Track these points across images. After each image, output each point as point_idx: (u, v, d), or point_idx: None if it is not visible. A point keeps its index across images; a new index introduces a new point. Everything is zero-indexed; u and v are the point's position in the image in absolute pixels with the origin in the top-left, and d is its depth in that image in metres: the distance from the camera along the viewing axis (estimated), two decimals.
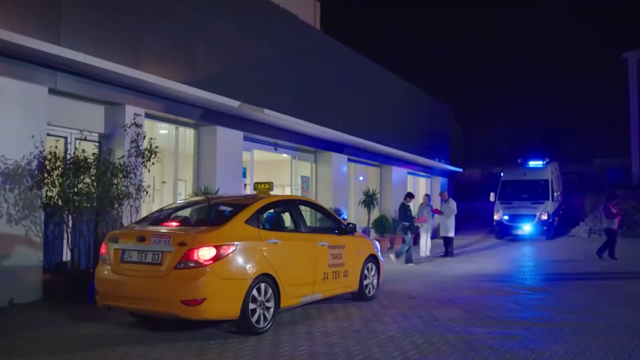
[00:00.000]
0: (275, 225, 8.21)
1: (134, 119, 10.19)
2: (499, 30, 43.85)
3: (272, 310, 7.32)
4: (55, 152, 9.29)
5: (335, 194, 18.05)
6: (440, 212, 17.51)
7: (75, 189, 9.23)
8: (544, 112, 43.36)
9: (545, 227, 23.91)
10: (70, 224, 9.42)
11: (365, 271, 9.54)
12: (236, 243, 7.01)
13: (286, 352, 6.36)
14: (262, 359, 6.14)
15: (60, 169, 9.20)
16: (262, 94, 14.16)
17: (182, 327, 7.31)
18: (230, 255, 6.91)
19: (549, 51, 42.99)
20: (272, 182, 8.71)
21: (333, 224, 9.39)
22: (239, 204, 7.80)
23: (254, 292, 7.08)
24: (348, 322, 7.94)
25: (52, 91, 9.60)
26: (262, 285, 7.22)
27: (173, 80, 11.40)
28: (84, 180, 9.34)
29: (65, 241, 9.71)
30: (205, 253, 6.73)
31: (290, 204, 8.71)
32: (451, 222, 17.08)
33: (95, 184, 9.39)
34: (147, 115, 11.53)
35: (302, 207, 9.03)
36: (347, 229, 9.25)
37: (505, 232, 24.30)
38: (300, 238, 8.29)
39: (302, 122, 15.07)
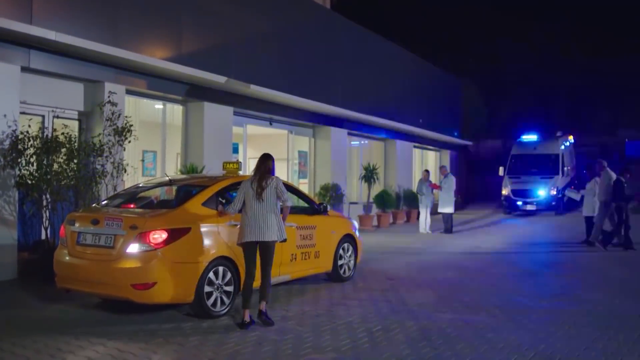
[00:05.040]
0: None
1: (109, 97, 10.08)
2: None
3: (231, 294, 7.23)
4: (28, 131, 9.24)
5: (334, 169, 17.81)
6: (438, 187, 17.24)
7: (48, 169, 9.19)
8: (569, 82, 41.99)
9: (554, 202, 23.45)
10: (45, 202, 9.41)
11: (341, 251, 9.39)
12: (191, 226, 6.91)
13: (235, 338, 6.28)
14: (209, 344, 6.07)
15: (32, 147, 9.16)
16: (254, 69, 13.91)
17: (143, 310, 7.26)
18: (184, 238, 6.81)
19: (577, 20, 41.41)
20: (240, 162, 8.54)
21: (305, 204, 9.22)
22: (198, 185, 7.67)
23: (211, 275, 7.00)
24: (313, 305, 7.83)
25: (26, 69, 9.51)
26: (220, 268, 7.12)
27: (155, 57, 11.26)
28: (57, 160, 9.30)
29: (42, 220, 9.72)
30: (157, 237, 6.65)
31: None
32: (449, 198, 16.78)
33: (68, 163, 9.33)
34: (130, 92, 11.41)
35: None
36: (320, 209, 9.07)
37: (513, 207, 23.90)
38: None
39: (295, 98, 14.79)
